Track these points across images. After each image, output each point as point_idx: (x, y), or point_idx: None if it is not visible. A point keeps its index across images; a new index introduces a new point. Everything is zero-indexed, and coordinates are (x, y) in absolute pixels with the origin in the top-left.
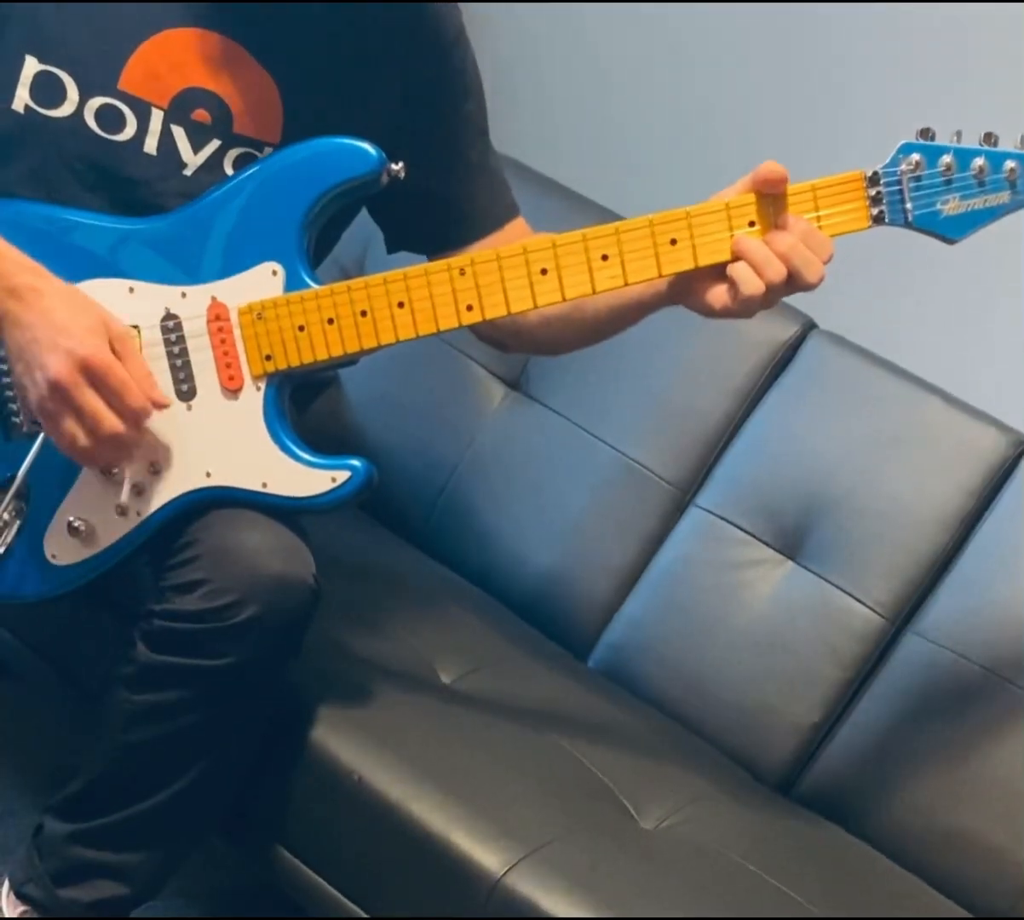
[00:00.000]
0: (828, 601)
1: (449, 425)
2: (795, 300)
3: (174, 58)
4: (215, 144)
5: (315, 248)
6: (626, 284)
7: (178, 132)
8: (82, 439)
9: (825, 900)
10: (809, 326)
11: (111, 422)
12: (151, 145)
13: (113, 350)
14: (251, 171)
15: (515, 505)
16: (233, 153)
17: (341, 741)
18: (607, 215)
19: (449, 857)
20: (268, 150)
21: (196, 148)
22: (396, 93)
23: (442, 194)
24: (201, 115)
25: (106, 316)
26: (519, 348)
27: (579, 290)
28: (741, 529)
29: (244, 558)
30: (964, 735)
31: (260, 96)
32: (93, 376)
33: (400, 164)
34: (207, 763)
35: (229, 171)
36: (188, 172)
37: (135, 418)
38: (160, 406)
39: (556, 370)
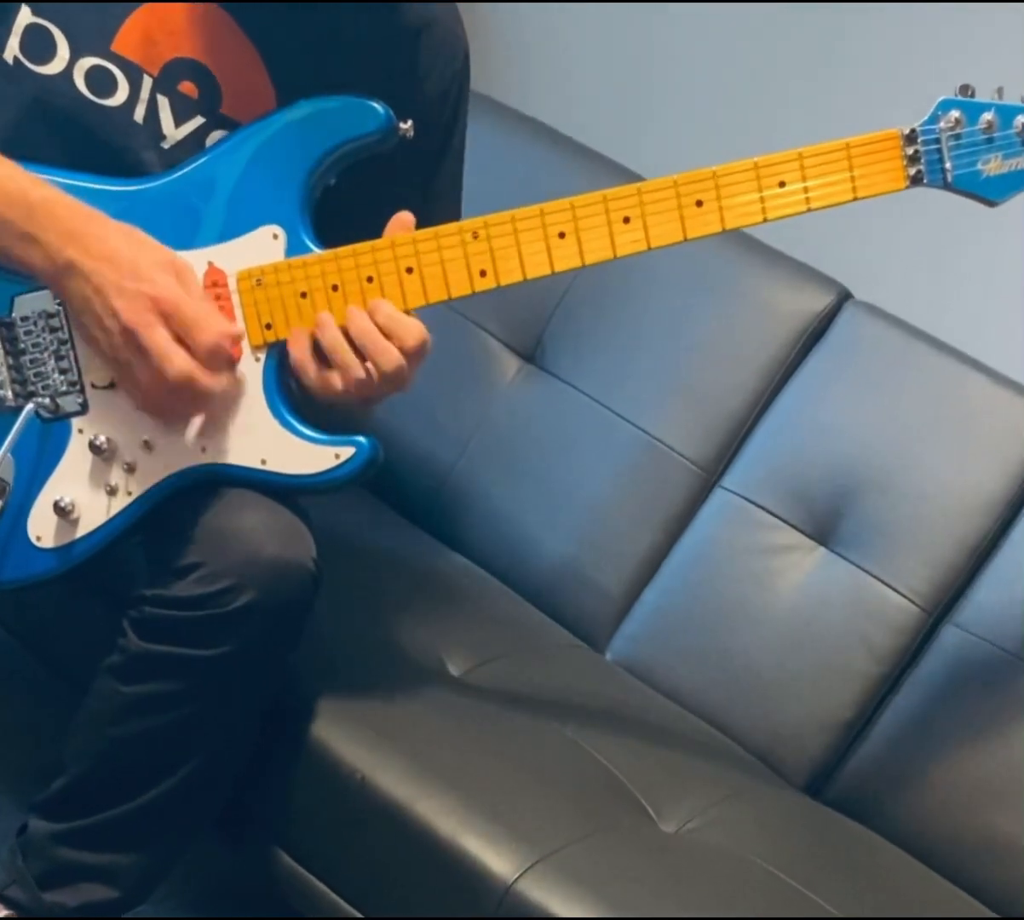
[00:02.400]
0: (862, 590)
1: (459, 400)
2: (830, 267)
3: (171, 25)
4: (198, 121)
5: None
6: (649, 248)
7: (162, 102)
8: (156, 388)
9: (856, 908)
10: (844, 296)
11: (181, 361)
12: (140, 113)
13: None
14: (250, 129)
15: (529, 486)
16: (216, 135)
17: (343, 737)
18: (629, 176)
19: (458, 862)
20: None
21: (178, 122)
22: (388, 97)
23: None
24: (188, 88)
25: (168, 251)
26: None
27: (599, 255)
28: (770, 513)
29: (240, 540)
30: (1005, 734)
31: (253, 80)
32: (165, 314)
33: (409, 123)
34: (201, 759)
35: None
36: (166, 145)
37: (209, 354)
38: (235, 339)
39: (574, 342)
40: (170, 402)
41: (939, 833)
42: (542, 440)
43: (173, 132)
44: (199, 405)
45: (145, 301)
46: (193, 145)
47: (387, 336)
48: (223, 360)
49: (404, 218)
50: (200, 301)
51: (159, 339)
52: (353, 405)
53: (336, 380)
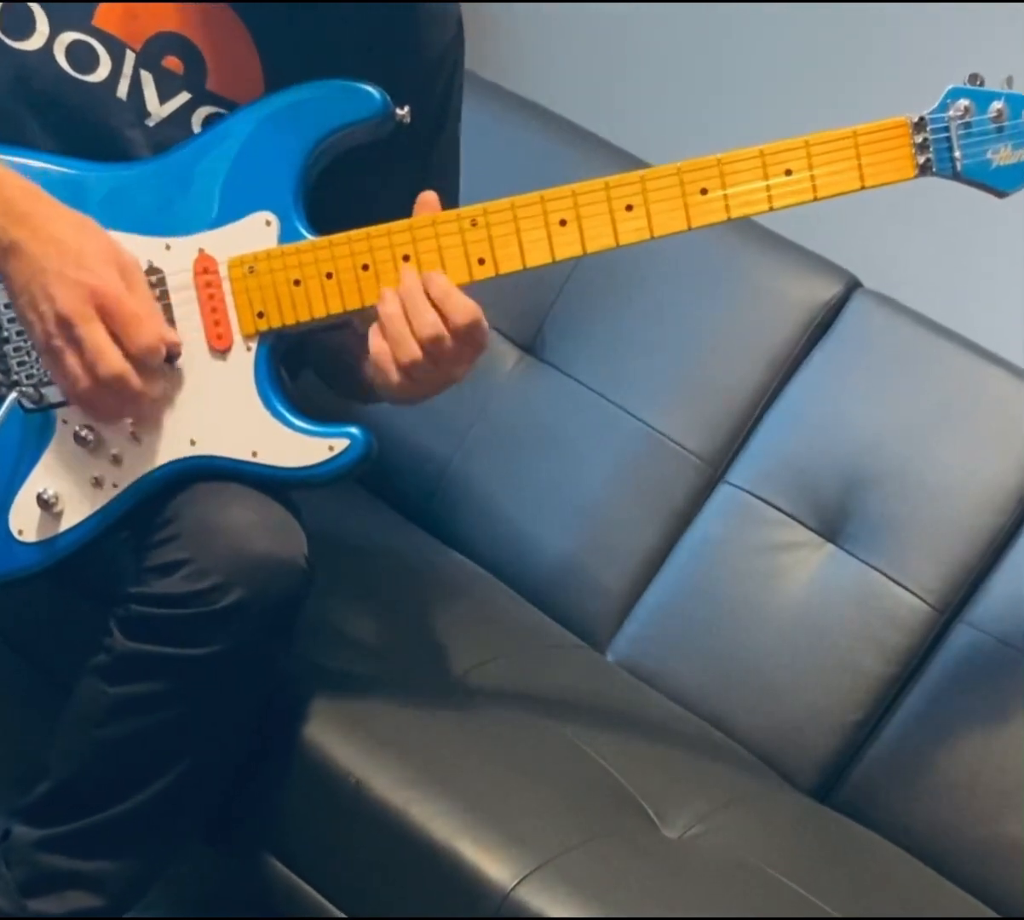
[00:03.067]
0: (872, 588)
1: (456, 392)
2: (839, 256)
3: None
4: (184, 97)
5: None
6: (652, 237)
7: (146, 78)
8: (84, 380)
9: (864, 915)
10: (853, 285)
11: (113, 360)
12: (123, 89)
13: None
14: (244, 113)
15: (528, 480)
16: (203, 111)
17: (337, 739)
18: (632, 162)
19: (455, 868)
20: None
21: (163, 98)
22: (378, 78)
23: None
24: (173, 63)
25: (115, 244)
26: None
27: (601, 243)
28: (777, 508)
29: (229, 536)
30: (1020, 736)
31: (239, 55)
32: (103, 309)
33: (406, 108)
34: (190, 762)
35: (197, 130)
36: (151, 123)
37: (143, 356)
38: (172, 346)
39: (575, 333)
40: (100, 398)
41: (952, 839)
42: (542, 433)
43: (158, 109)
44: (129, 406)
45: (85, 291)
46: (179, 122)
47: (436, 308)
48: (157, 364)
49: (428, 198)
50: (142, 300)
51: (95, 334)
52: (407, 395)
53: (388, 359)
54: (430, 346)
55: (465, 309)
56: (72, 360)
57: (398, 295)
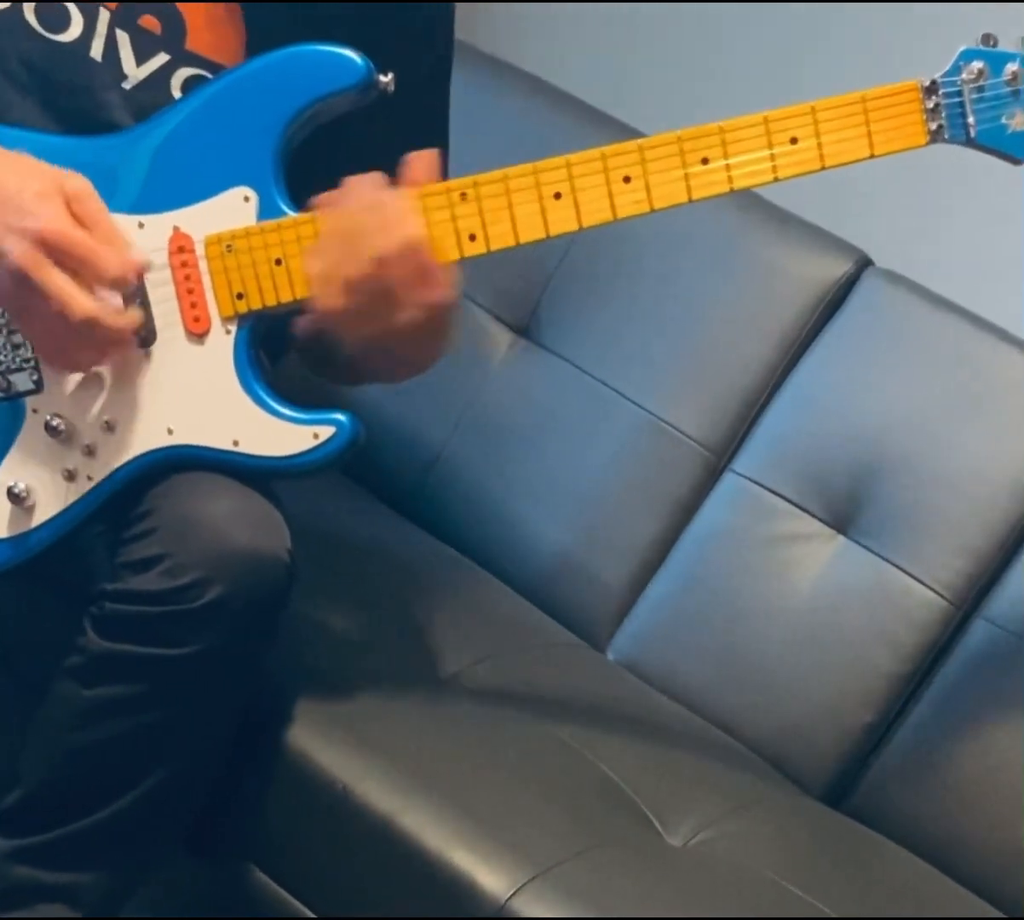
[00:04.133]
0: (885, 582)
1: (446, 377)
2: (848, 232)
3: None
4: (162, 59)
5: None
6: (652, 210)
7: (122, 38)
8: (59, 331)
9: None
10: (864, 263)
11: (79, 303)
12: (97, 49)
13: (74, 215)
14: (220, 82)
15: (523, 470)
16: (183, 73)
17: (323, 744)
18: (629, 132)
19: (448, 878)
20: None
21: (140, 59)
22: (364, 40)
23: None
24: (150, 22)
25: (58, 174)
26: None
27: (598, 217)
28: (785, 498)
29: (208, 529)
30: None
31: (219, 13)
32: (55, 251)
33: (389, 76)
34: (168, 769)
35: (177, 93)
36: (128, 86)
37: (114, 287)
38: (140, 270)
39: (571, 314)
40: (75, 348)
41: (972, 846)
42: (537, 420)
43: (135, 71)
44: (108, 349)
45: (31, 238)
46: (157, 85)
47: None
48: (130, 294)
49: (426, 158)
50: (97, 228)
51: (55, 279)
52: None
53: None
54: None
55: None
56: (42, 313)
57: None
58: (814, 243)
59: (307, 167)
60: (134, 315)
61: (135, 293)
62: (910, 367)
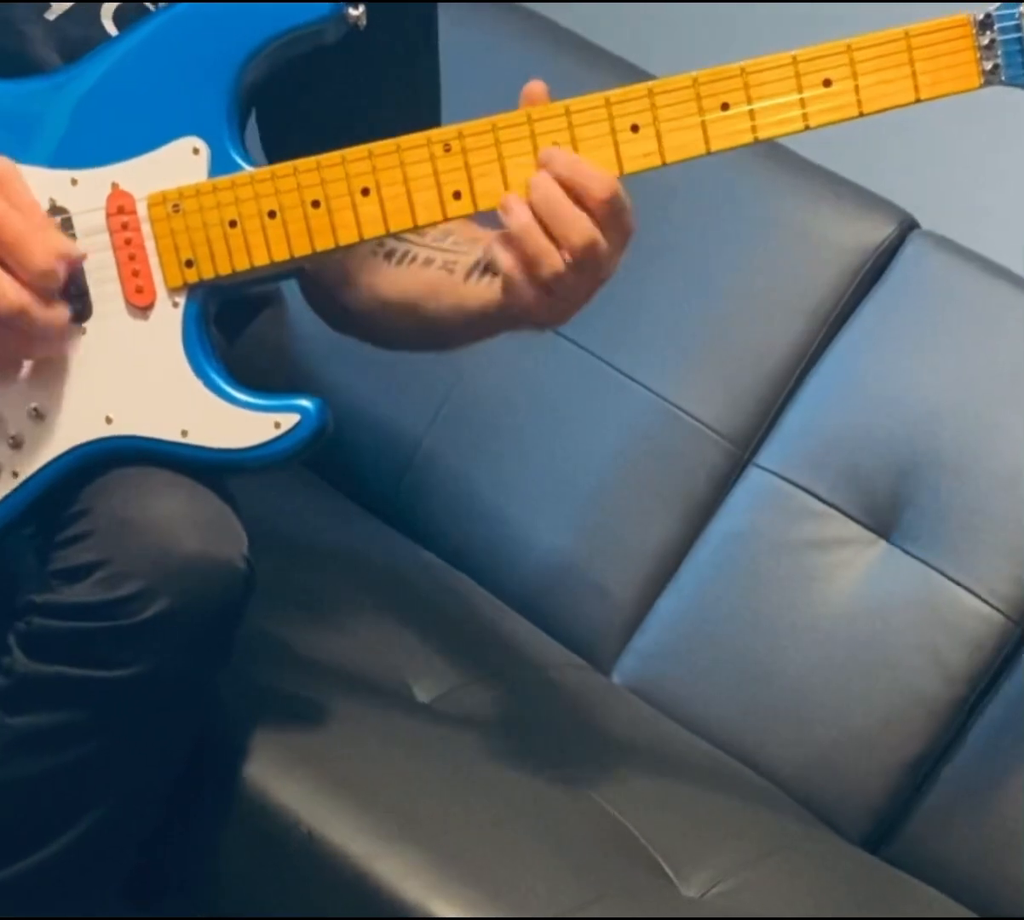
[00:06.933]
0: (932, 594)
1: (428, 358)
2: (891, 191)
3: None
4: None
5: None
6: (663, 163)
7: None
8: None
9: None
10: (908, 225)
11: (10, 291)
12: None
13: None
14: (162, 16)
15: (516, 464)
16: (113, 4)
17: (284, 780)
18: (638, 75)
19: None
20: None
21: None
22: None
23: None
24: None
25: None
26: (348, 328)
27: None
28: (817, 497)
29: (152, 533)
30: None
31: None
32: None
33: (361, 8)
34: (106, 808)
35: (109, 27)
36: (51, 16)
37: (40, 280)
38: (71, 260)
39: None
40: (7, 341)
41: None
42: (533, 407)
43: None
44: (33, 345)
45: None
46: (84, 17)
47: (573, 196)
48: (56, 287)
49: (535, 90)
50: (28, 214)
51: None
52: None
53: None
54: (584, 254)
55: (604, 186)
56: None
57: (529, 201)
58: (851, 203)
59: (274, 117)
60: (61, 309)
61: (71, 280)
62: (961, 345)
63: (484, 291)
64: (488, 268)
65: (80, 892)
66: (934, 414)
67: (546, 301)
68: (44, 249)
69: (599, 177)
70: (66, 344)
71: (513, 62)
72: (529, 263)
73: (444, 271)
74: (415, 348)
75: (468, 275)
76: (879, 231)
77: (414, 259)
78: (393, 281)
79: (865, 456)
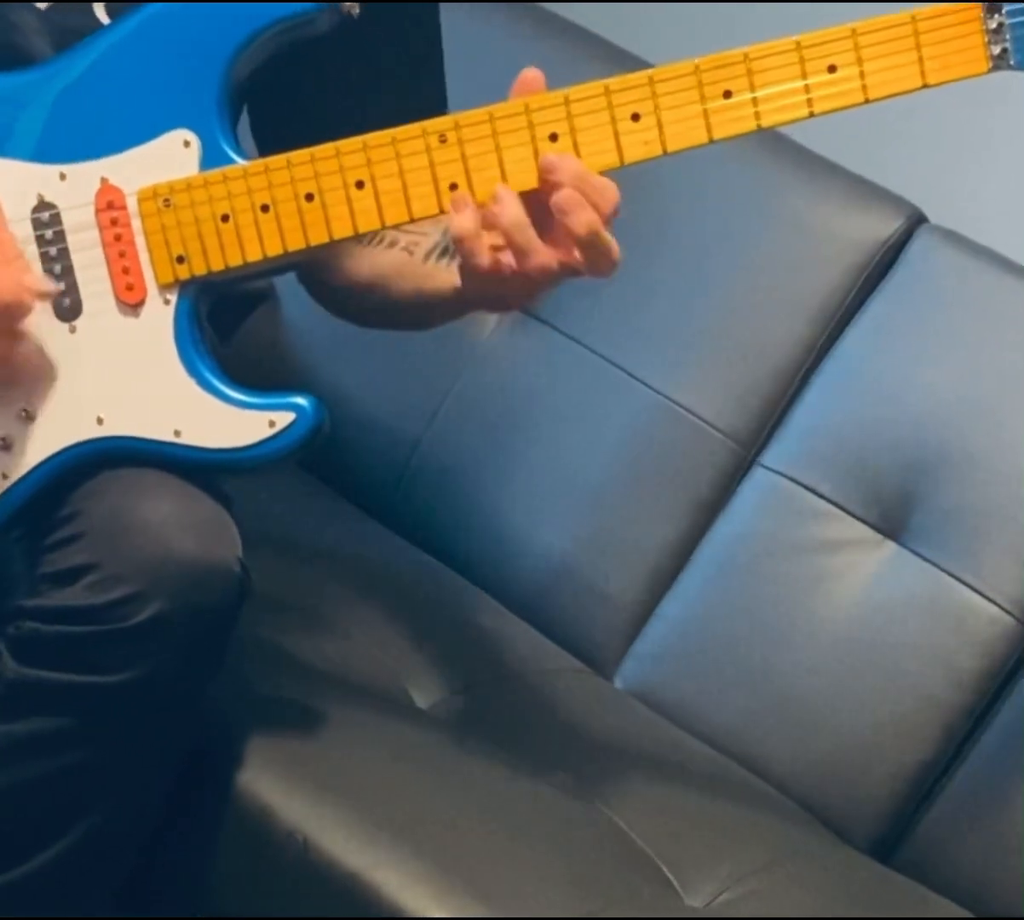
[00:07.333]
0: (943, 597)
1: (426, 356)
2: (900, 185)
3: None
4: None
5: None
6: (664, 152)
7: None
8: None
9: None
10: (917, 219)
11: None
12: None
13: None
14: (153, 7)
15: (515, 465)
16: None
17: (279, 788)
18: (637, 64)
19: None
20: None
21: None
22: None
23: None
24: None
25: None
26: (337, 311)
27: (601, 161)
28: (824, 497)
29: (145, 535)
30: None
31: None
32: None
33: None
34: (98, 816)
35: (103, 17)
36: (42, 5)
37: (5, 312)
38: (42, 295)
39: (574, 282)
40: None
41: None
42: (531, 406)
43: None
44: (3, 371)
45: None
46: (77, 5)
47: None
48: (18, 321)
49: (531, 77)
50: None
51: None
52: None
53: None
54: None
55: (610, 193)
56: None
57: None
58: (857, 197)
59: (267, 110)
60: (25, 345)
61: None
62: (970, 342)
63: (442, 273)
64: (446, 251)
65: (75, 898)
66: (944, 413)
67: (503, 288)
68: (10, 281)
69: (608, 188)
70: (55, 330)
71: (510, 52)
72: (519, 256)
73: (405, 252)
74: (393, 327)
75: (427, 257)
76: (886, 225)
77: (381, 240)
78: (361, 262)
79: (873, 455)
